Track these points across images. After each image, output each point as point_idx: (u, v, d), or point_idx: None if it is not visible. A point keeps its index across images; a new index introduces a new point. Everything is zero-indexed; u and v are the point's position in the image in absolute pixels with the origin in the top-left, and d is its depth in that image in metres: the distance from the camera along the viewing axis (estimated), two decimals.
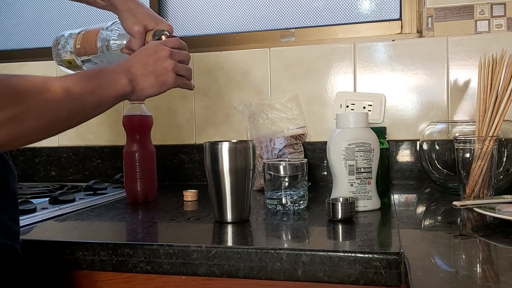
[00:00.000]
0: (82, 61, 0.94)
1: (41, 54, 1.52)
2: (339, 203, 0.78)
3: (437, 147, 1.05)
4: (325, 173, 1.25)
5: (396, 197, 1.01)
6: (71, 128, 0.63)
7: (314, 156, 1.26)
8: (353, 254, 0.61)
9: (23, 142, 0.56)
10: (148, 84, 0.75)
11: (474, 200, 0.85)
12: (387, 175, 1.02)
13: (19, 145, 0.57)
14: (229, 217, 0.79)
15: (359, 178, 0.85)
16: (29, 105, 0.54)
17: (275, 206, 0.89)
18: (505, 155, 0.97)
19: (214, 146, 0.79)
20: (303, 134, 1.25)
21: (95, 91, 0.65)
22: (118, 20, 0.88)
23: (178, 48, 0.81)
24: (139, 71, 0.74)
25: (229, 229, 0.76)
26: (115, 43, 0.90)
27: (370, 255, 0.60)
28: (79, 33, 0.94)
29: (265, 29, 1.39)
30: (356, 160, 0.84)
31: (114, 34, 0.90)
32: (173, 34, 0.85)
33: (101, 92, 0.66)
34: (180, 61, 0.80)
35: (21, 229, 0.76)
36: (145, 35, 0.85)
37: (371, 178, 0.86)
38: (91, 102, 0.64)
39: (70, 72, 0.99)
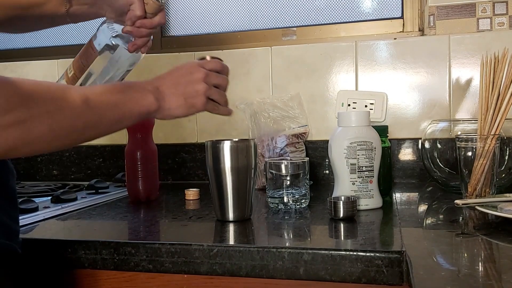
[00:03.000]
0: (80, 84, 0.85)
1: (44, 53, 1.52)
2: (341, 202, 0.78)
3: (439, 146, 1.05)
4: (327, 171, 1.25)
5: (398, 196, 1.01)
6: (89, 140, 0.62)
7: (316, 155, 1.25)
8: (355, 253, 0.61)
9: (33, 149, 0.55)
10: (176, 104, 0.71)
11: (476, 198, 0.85)
12: (388, 174, 1.02)
13: (29, 152, 0.56)
14: (230, 215, 0.79)
15: (361, 177, 0.85)
16: (40, 110, 0.53)
17: (276, 205, 0.89)
18: (507, 154, 0.97)
19: (215, 145, 0.79)
20: (304, 133, 1.25)
21: (117, 105, 0.63)
22: (104, 21, 0.83)
23: (218, 71, 0.76)
24: (168, 90, 0.71)
25: (231, 227, 0.76)
26: (113, 31, 0.83)
27: (372, 254, 0.60)
28: (66, 70, 0.86)
29: (267, 27, 1.39)
30: (358, 158, 0.84)
31: (109, 29, 0.84)
32: (217, 57, 0.79)
33: (124, 107, 0.64)
34: (216, 85, 0.76)
35: (23, 228, 0.76)
36: None
37: (373, 176, 0.86)
38: (111, 116, 0.62)
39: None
